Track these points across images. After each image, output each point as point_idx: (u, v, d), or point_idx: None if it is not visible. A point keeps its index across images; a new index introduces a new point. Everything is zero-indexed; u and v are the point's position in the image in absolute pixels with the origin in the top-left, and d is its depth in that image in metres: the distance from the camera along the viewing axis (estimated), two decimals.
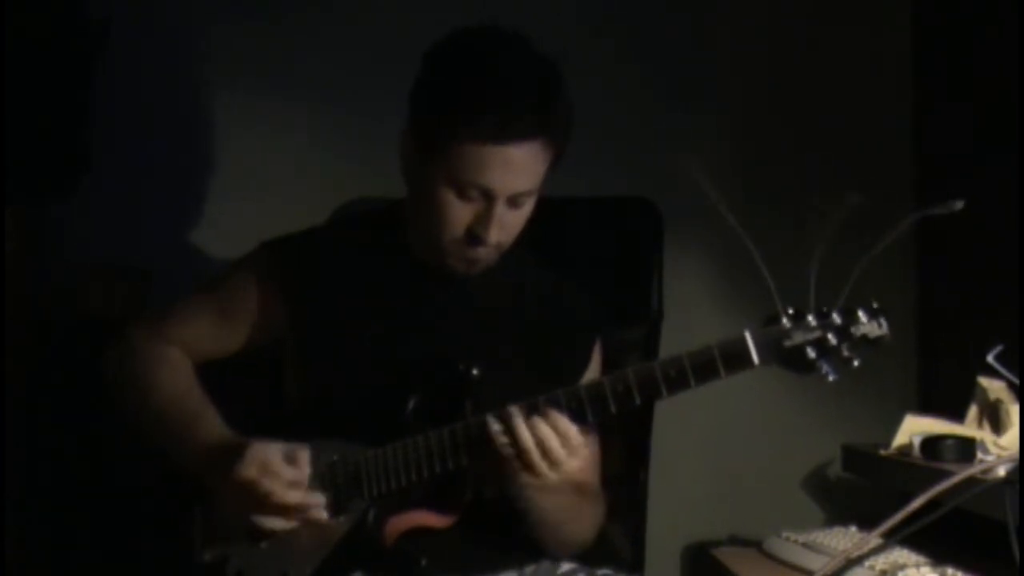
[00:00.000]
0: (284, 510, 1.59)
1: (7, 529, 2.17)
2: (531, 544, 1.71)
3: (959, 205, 1.56)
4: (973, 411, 2.29)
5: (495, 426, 1.53)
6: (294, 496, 1.57)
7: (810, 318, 1.46)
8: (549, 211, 1.71)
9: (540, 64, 1.63)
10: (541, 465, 1.51)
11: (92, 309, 2.39)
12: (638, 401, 1.51)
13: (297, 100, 2.66)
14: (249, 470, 1.56)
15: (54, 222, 2.45)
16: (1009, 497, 1.66)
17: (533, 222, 1.70)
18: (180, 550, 1.72)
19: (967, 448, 2.13)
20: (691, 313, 2.56)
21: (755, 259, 1.49)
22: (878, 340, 1.46)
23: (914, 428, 2.28)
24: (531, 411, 1.53)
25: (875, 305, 1.47)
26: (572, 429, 1.52)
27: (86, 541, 2.30)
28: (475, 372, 1.63)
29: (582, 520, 1.71)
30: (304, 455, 1.59)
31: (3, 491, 2.14)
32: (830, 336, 1.45)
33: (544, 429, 1.51)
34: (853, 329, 1.45)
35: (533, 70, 1.62)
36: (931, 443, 2.16)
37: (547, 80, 1.62)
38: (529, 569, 1.74)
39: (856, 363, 1.46)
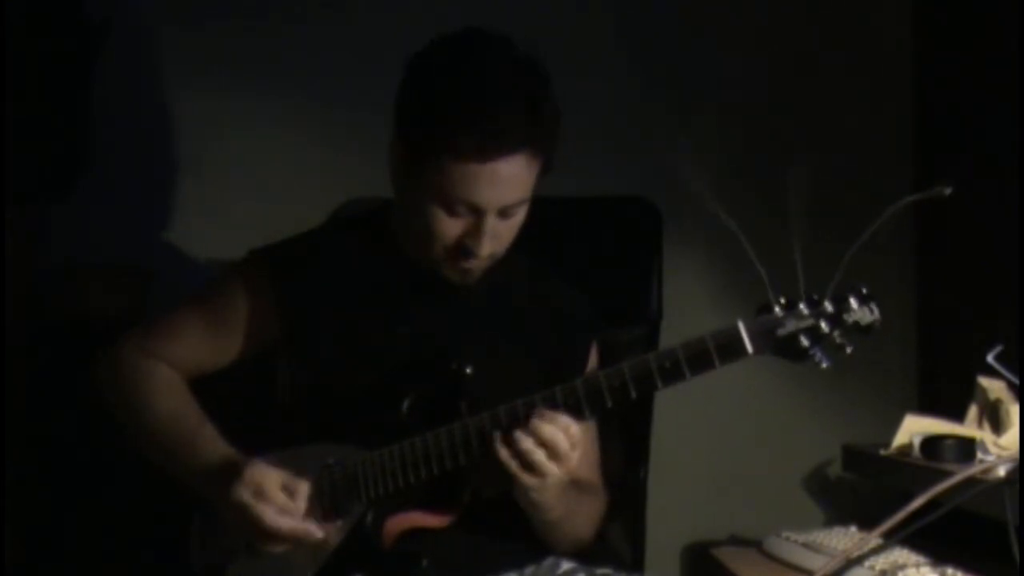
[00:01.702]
0: (276, 535, 1.58)
1: (7, 529, 2.17)
2: (531, 543, 1.71)
3: (948, 190, 1.56)
4: (973, 411, 2.29)
5: (499, 445, 1.52)
6: (285, 523, 1.56)
7: (802, 306, 1.46)
8: (547, 211, 1.70)
9: (522, 73, 1.60)
10: (548, 466, 1.51)
11: (92, 309, 2.39)
12: (634, 394, 1.50)
13: (296, 100, 2.66)
14: (243, 494, 1.55)
15: (54, 222, 2.45)
16: (1009, 497, 1.66)
17: (532, 222, 1.69)
18: (178, 553, 1.72)
19: (967, 448, 2.13)
20: (690, 313, 2.55)
21: (751, 257, 1.49)
22: (870, 326, 1.47)
23: (914, 428, 2.28)
24: (528, 411, 1.52)
25: (865, 291, 1.47)
26: (573, 426, 1.52)
27: (85, 545, 2.30)
28: (468, 371, 1.63)
29: (585, 515, 1.71)
30: (303, 487, 1.58)
31: (3, 491, 2.14)
32: (822, 323, 1.46)
33: (548, 430, 1.51)
34: (845, 316, 1.46)
35: (515, 81, 1.58)
36: (931, 443, 2.16)
37: (530, 90, 1.59)
38: (529, 569, 1.73)
39: (849, 350, 1.47)
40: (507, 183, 1.58)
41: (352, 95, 2.65)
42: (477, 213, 1.60)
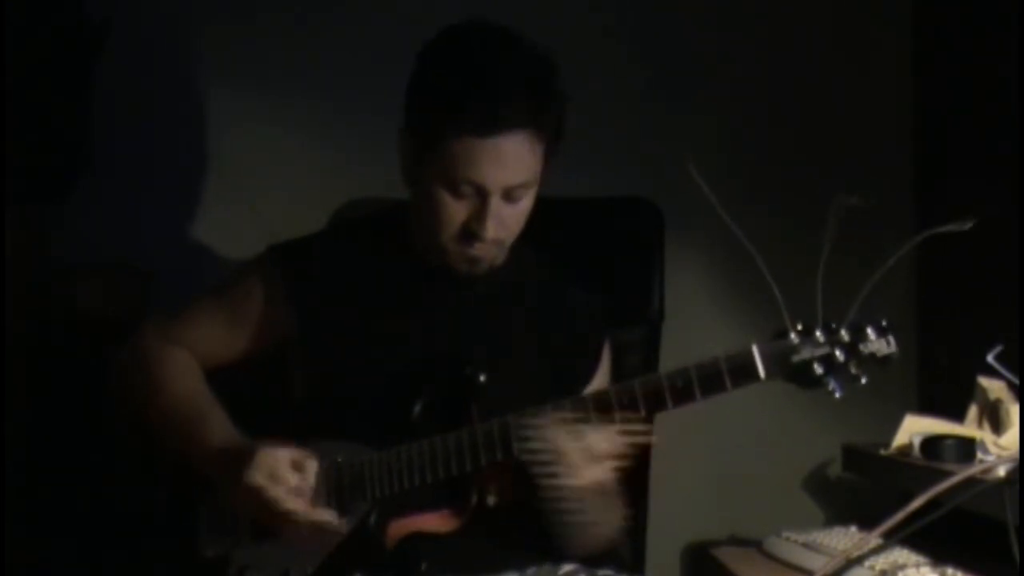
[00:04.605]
0: (288, 516, 1.58)
1: (7, 528, 2.17)
2: (531, 547, 1.71)
3: (968, 224, 1.55)
4: (973, 411, 2.29)
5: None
6: (297, 504, 1.57)
7: (818, 334, 1.45)
8: (549, 211, 1.71)
9: (525, 56, 1.62)
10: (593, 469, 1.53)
11: (92, 309, 2.39)
12: (643, 412, 1.51)
13: (297, 100, 2.66)
14: (257, 477, 1.55)
15: (54, 222, 2.45)
16: (1009, 497, 1.66)
17: (533, 222, 1.69)
18: (183, 546, 1.72)
19: (967, 448, 2.13)
20: (692, 314, 2.56)
21: (759, 264, 1.48)
22: (886, 358, 1.45)
23: (914, 428, 2.29)
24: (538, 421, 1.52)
25: (884, 323, 1.46)
26: (594, 444, 1.53)
27: (89, 538, 2.30)
28: (482, 378, 1.63)
29: (610, 517, 1.71)
30: (312, 463, 1.58)
31: (3, 489, 2.14)
32: (838, 352, 1.45)
33: (593, 439, 1.52)
34: (861, 346, 1.45)
35: (517, 62, 1.61)
36: (931, 443, 2.17)
37: (531, 71, 1.61)
38: (530, 571, 1.73)
39: (863, 380, 1.45)
40: (509, 161, 1.59)
41: (352, 96, 2.65)
42: (481, 195, 1.61)
